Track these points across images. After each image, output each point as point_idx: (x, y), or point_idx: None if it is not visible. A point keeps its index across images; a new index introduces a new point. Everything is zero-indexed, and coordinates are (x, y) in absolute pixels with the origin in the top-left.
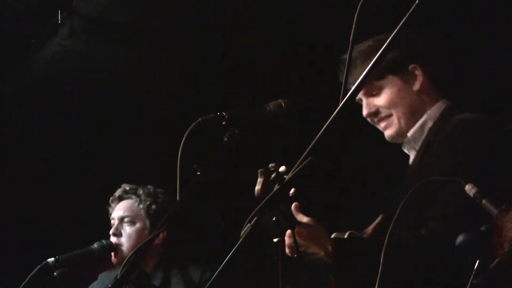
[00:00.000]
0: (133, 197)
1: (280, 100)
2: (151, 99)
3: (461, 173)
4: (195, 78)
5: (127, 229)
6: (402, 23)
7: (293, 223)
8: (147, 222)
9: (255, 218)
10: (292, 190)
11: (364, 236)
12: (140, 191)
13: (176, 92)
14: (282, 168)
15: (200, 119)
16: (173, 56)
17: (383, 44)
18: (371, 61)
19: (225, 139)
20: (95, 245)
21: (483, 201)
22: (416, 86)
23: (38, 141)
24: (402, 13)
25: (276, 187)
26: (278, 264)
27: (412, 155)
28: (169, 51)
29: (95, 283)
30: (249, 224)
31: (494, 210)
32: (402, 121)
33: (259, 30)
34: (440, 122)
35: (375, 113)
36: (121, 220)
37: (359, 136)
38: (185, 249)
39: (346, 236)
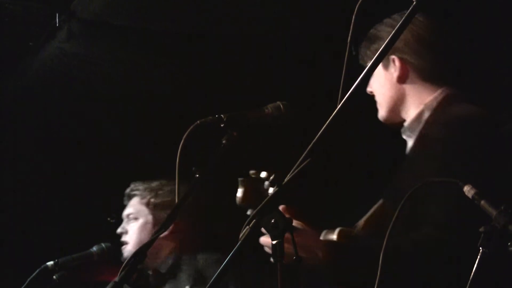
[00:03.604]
0: (137, 193)
1: (278, 102)
2: (149, 102)
3: (454, 176)
4: (193, 80)
5: (131, 226)
6: (400, 25)
7: (291, 226)
8: (150, 216)
9: (254, 220)
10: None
11: (356, 230)
12: (142, 187)
13: (174, 94)
14: (263, 174)
15: (198, 121)
16: (171, 59)
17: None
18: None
19: (224, 141)
20: (94, 248)
21: (482, 202)
22: (396, 76)
23: (37, 144)
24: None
25: (275, 189)
26: (277, 266)
27: (409, 143)
28: (167, 53)
29: None
30: (247, 227)
31: (493, 211)
32: (383, 108)
33: (258, 32)
34: (436, 114)
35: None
36: (127, 217)
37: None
38: (196, 238)
39: (336, 234)
